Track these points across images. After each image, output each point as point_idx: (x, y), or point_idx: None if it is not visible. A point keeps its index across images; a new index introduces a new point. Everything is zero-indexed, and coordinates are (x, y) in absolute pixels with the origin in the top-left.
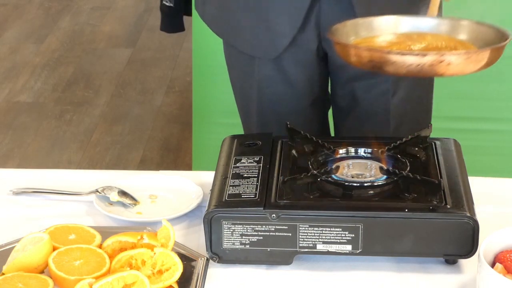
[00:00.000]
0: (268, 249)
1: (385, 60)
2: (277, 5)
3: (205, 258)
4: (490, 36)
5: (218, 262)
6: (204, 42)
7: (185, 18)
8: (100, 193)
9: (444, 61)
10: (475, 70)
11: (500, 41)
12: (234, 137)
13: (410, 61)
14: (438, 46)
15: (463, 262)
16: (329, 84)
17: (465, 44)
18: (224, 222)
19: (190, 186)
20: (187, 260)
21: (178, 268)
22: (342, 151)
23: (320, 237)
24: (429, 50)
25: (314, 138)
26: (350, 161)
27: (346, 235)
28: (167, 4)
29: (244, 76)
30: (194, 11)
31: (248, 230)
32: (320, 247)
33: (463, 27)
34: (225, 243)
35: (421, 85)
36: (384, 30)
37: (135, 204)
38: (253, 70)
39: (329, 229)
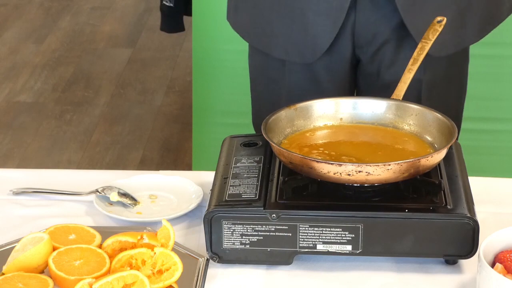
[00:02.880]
0: (268, 249)
1: (305, 164)
2: (315, 7)
3: (205, 258)
4: (439, 126)
5: (218, 262)
6: (204, 42)
7: (185, 18)
8: (100, 193)
9: (362, 172)
10: (401, 178)
11: (450, 133)
12: (234, 137)
13: (327, 168)
14: (377, 142)
15: (463, 262)
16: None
17: (410, 136)
18: (224, 222)
19: (190, 186)
20: (187, 260)
21: (178, 268)
22: None
23: (320, 237)
24: (360, 153)
25: None
26: None
27: (346, 235)
28: (167, 4)
29: (271, 84)
30: (194, 11)
31: (248, 230)
32: (320, 247)
33: (413, 116)
34: (225, 243)
35: (451, 93)
36: (324, 119)
37: (135, 204)
38: (283, 77)
39: (329, 229)
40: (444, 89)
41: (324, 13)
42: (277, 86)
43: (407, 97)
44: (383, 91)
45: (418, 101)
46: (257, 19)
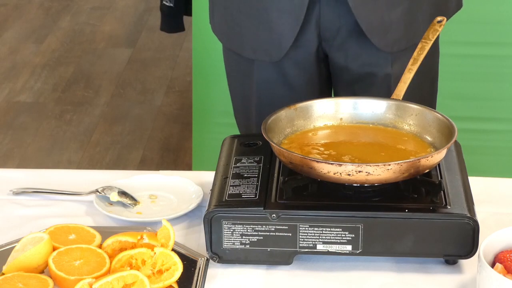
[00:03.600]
0: (268, 249)
1: (305, 164)
2: (277, 4)
3: (205, 258)
4: (439, 126)
5: (218, 262)
6: (204, 42)
7: (185, 18)
8: (100, 193)
9: (362, 172)
10: (401, 178)
11: (450, 133)
12: (234, 137)
13: (327, 168)
14: (377, 142)
15: (463, 262)
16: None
17: (410, 136)
18: (224, 222)
19: (190, 186)
20: (187, 260)
21: (178, 268)
22: None
23: (320, 237)
24: (360, 153)
25: None
26: None
27: (346, 235)
28: (167, 4)
29: (243, 79)
30: (194, 11)
31: (248, 230)
32: (320, 247)
33: (413, 116)
34: (225, 243)
35: (423, 86)
36: (324, 120)
37: (135, 204)
38: (252, 73)
39: (329, 229)
40: (413, 83)
41: (287, 11)
42: (249, 81)
43: (378, 93)
44: (355, 83)
45: (388, 95)
46: (228, 21)
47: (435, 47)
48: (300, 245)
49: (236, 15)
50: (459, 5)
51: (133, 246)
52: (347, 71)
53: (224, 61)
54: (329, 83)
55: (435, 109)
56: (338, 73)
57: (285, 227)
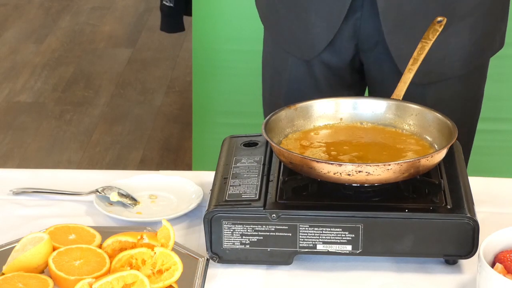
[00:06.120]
0: (268, 249)
1: (305, 164)
2: (316, 6)
3: (205, 258)
4: (439, 126)
5: (218, 262)
6: (204, 42)
7: (185, 18)
8: (100, 193)
9: (362, 172)
10: (401, 178)
11: (450, 133)
12: (234, 137)
13: (327, 168)
14: (377, 142)
15: (463, 262)
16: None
17: (410, 136)
18: (224, 222)
19: (190, 186)
20: (187, 260)
21: (178, 268)
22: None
23: (320, 237)
24: (360, 153)
25: None
26: None
27: (346, 235)
28: (167, 4)
29: (276, 74)
30: (194, 11)
31: (248, 230)
32: (320, 247)
33: (413, 116)
34: (225, 243)
35: (465, 104)
36: (324, 119)
37: (135, 204)
38: (286, 69)
39: (329, 229)
40: (454, 106)
41: (325, 16)
42: (280, 78)
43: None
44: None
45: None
46: (270, 7)
47: (482, 73)
48: (300, 245)
49: (278, 6)
50: (501, 44)
51: (133, 246)
52: (382, 85)
53: (263, 51)
54: (363, 92)
55: (475, 130)
56: (373, 84)
57: (285, 227)
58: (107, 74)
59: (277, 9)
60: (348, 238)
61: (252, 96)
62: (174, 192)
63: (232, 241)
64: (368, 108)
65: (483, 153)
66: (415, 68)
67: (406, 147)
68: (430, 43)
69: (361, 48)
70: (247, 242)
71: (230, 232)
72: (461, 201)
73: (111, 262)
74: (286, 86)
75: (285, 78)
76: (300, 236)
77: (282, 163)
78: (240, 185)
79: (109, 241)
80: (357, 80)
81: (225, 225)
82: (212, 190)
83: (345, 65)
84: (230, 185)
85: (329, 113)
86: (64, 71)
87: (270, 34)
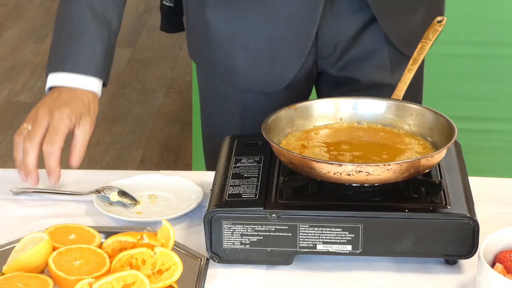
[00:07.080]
0: (268, 249)
1: (305, 164)
2: (283, 35)
3: (205, 258)
4: (439, 126)
5: (218, 262)
6: None
7: None
8: (100, 193)
9: (362, 172)
10: (401, 178)
11: (449, 133)
12: (234, 137)
13: (327, 168)
14: (377, 142)
15: (463, 262)
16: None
17: (410, 136)
18: (224, 222)
19: (190, 186)
20: (187, 260)
21: (178, 268)
22: None
23: (320, 237)
24: (360, 153)
25: None
26: None
27: (346, 235)
28: (167, 4)
29: (225, 103)
30: None
31: (248, 230)
32: (320, 247)
33: (413, 116)
34: (225, 243)
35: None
36: (324, 119)
37: (135, 204)
38: (238, 99)
39: (329, 229)
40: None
41: (292, 42)
42: (230, 105)
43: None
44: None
45: None
46: (215, 52)
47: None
48: (300, 245)
49: (231, 51)
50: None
51: (133, 246)
52: (351, 82)
53: (200, 85)
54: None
55: (421, 93)
56: (328, 90)
57: (285, 227)
58: None
59: (231, 57)
60: (348, 238)
61: None
62: (174, 192)
63: (232, 241)
64: (368, 108)
65: (483, 153)
66: (415, 68)
67: (406, 147)
68: (430, 43)
69: (320, 55)
70: (247, 242)
71: (230, 232)
72: (461, 201)
73: (111, 262)
74: (239, 113)
75: (238, 107)
76: (300, 236)
77: (282, 163)
78: (240, 185)
79: (109, 241)
80: (310, 90)
81: (225, 225)
82: (212, 190)
83: (303, 79)
84: (230, 185)
85: (329, 113)
86: None
87: (223, 79)
